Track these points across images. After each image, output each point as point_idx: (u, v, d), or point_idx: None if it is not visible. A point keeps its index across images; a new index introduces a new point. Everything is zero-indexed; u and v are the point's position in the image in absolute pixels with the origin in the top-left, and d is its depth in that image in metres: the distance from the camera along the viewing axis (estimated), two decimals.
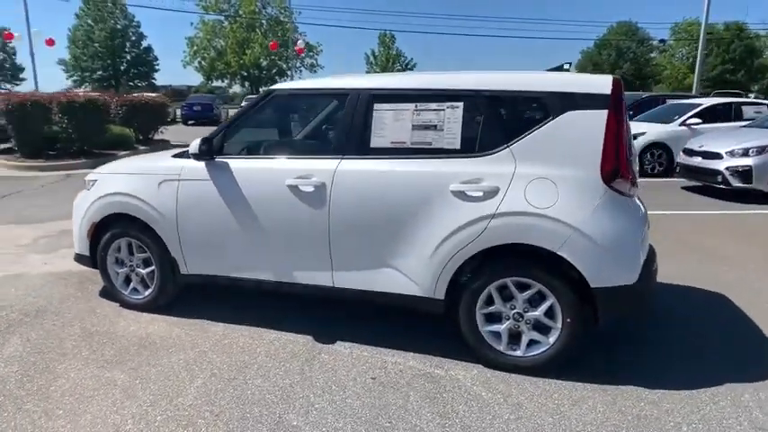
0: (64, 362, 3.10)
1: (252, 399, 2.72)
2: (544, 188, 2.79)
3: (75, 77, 46.78)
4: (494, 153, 2.91)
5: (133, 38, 48.22)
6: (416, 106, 3.06)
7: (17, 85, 45.94)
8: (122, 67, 48.06)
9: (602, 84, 2.83)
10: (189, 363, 3.09)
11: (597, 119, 2.78)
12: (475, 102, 2.98)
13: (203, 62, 50.18)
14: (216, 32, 49.83)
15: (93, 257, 3.87)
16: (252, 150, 3.53)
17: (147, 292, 3.79)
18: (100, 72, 46.67)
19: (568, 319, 2.82)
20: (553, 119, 2.83)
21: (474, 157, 2.94)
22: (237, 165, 3.39)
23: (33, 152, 10.53)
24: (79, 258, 3.98)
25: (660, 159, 10.14)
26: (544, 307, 2.87)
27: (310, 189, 3.15)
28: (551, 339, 2.88)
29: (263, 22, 49.88)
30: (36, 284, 4.31)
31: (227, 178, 3.38)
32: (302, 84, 3.64)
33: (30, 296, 4.07)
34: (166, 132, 16.28)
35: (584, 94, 2.83)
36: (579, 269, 2.73)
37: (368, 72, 53.74)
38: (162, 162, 3.68)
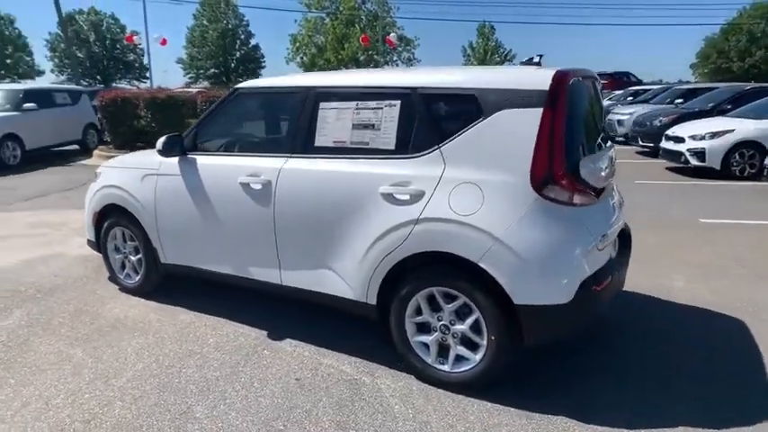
0: (43, 336, 3.44)
1: (175, 387, 2.84)
2: (469, 194, 2.59)
3: (190, 75, 51.05)
4: (424, 155, 2.75)
5: (242, 36, 51.53)
6: (357, 105, 2.97)
7: (144, 82, 51.16)
8: (232, 65, 51.57)
9: (540, 79, 2.55)
10: (143, 347, 3.29)
11: (531, 118, 2.51)
12: (411, 100, 2.83)
13: (304, 58, 52.26)
14: (317, 29, 51.67)
15: (98, 243, 4.24)
16: (219, 147, 3.64)
17: (137, 278, 4.08)
18: (212, 69, 50.47)
19: (492, 337, 2.60)
20: (485, 118, 2.61)
21: (406, 158, 2.80)
22: (203, 161, 3.52)
23: (123, 144, 11.68)
24: (89, 243, 4.37)
25: (752, 160, 8.92)
26: (470, 321, 2.67)
27: (258, 187, 3.20)
28: (478, 357, 2.68)
29: (363, 17, 50.87)
30: (64, 265, 4.81)
31: (193, 174, 3.52)
32: (263, 82, 3.69)
33: (53, 275, 4.55)
34: None
35: (518, 90, 2.57)
36: (501, 283, 2.51)
37: (465, 65, 53.10)
38: (148, 157, 3.93)
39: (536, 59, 3.09)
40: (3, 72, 46.95)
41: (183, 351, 3.23)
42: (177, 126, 12.23)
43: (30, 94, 11.59)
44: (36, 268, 4.72)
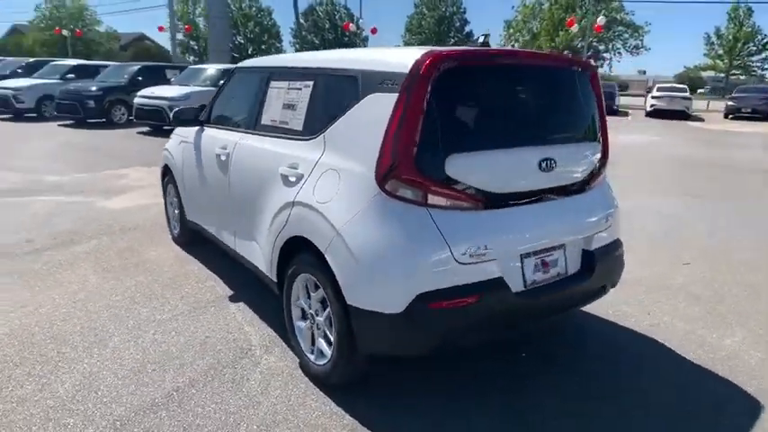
0: (85, 261, 4.31)
1: (122, 316, 3.34)
2: (330, 181, 2.46)
3: None
4: (314, 138, 2.68)
5: (457, 24, 52.38)
6: (288, 85, 3.02)
7: None
8: None
9: (405, 61, 2.26)
10: (137, 283, 3.89)
11: (388, 104, 2.26)
12: (317, 82, 2.78)
13: (516, 45, 50.84)
14: (534, 14, 49.66)
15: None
16: (219, 121, 3.99)
17: (176, 229, 4.77)
18: None
19: (336, 334, 2.45)
20: (357, 102, 2.43)
21: (303, 140, 2.76)
22: (206, 132, 3.95)
23: None
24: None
25: None
26: (326, 314, 2.56)
27: (224, 159, 3.48)
28: (330, 353, 2.56)
29: (586, 0, 47.15)
30: (147, 215, 5.76)
31: (198, 143, 3.98)
32: (252, 62, 3.89)
33: (131, 221, 5.49)
34: None
35: (385, 73, 2.32)
36: (338, 279, 2.35)
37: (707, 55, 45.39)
38: (188, 127, 4.52)
39: (481, 39, 2.71)
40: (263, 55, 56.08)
41: (157, 294, 3.73)
42: None
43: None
44: (137, 213, 5.81)
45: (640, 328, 3.37)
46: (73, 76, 14.97)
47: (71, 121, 13.77)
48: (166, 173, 4.79)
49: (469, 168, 2.29)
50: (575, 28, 35.58)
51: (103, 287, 3.81)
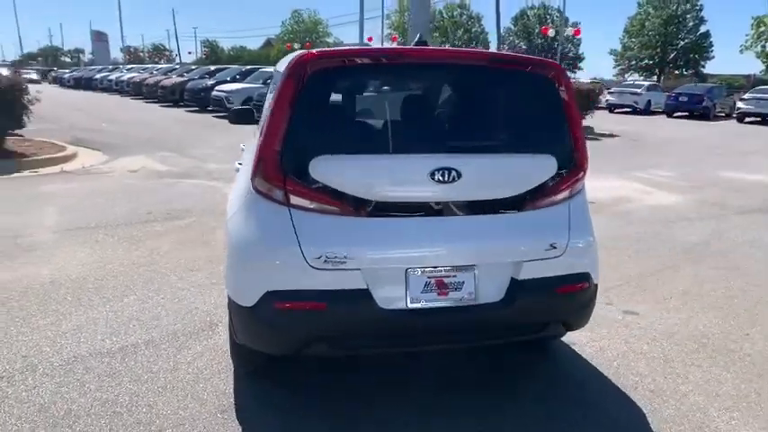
0: (163, 235, 5.19)
1: (139, 281, 4.00)
2: (240, 176, 2.64)
3: (621, 66, 49.25)
4: (257, 130, 2.88)
5: (690, 24, 45.71)
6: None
7: (574, 72, 52.66)
8: (670, 56, 46.75)
9: (288, 59, 2.32)
10: (181, 260, 4.57)
11: (269, 103, 2.36)
12: (271, 80, 2.98)
13: (767, 46, 42.24)
14: None
15: None
16: None
17: None
18: (645, 61, 47.16)
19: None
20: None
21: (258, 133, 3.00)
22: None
23: None
24: None
25: None
26: None
27: None
28: None
29: None
30: None
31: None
32: None
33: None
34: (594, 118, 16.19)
35: (277, 72, 2.46)
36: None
37: None
38: None
39: (416, 38, 2.59)
40: None
41: (198, 266, 4.33)
42: None
43: None
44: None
45: None
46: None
47: None
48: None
49: (338, 172, 2.21)
50: None
51: (166, 255, 4.58)
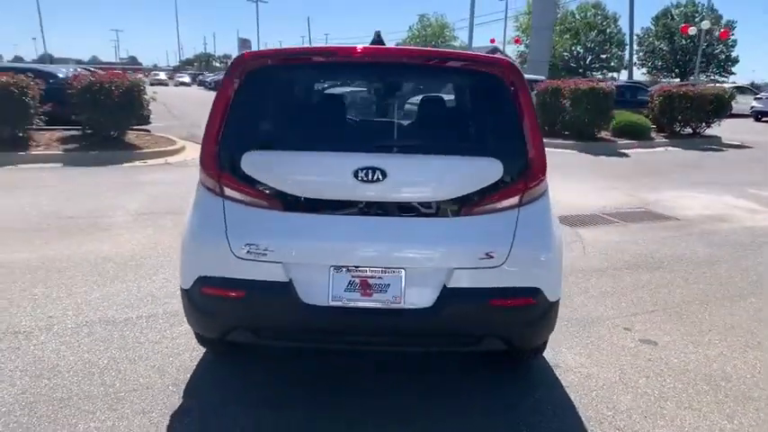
0: None
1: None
2: None
3: None
4: None
5: None
6: None
7: (725, 77, 46.87)
8: None
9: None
10: None
11: None
12: None
13: None
14: None
15: None
16: None
17: None
18: None
19: None
20: None
21: None
22: None
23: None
24: None
25: None
26: None
27: None
28: None
29: None
30: None
31: None
32: None
33: None
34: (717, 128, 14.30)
35: None
36: None
37: None
38: None
39: (375, 37, 2.58)
40: (601, 66, 53.61)
41: None
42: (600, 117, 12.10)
43: None
44: None
45: None
46: None
47: None
48: None
49: (266, 167, 2.30)
50: None
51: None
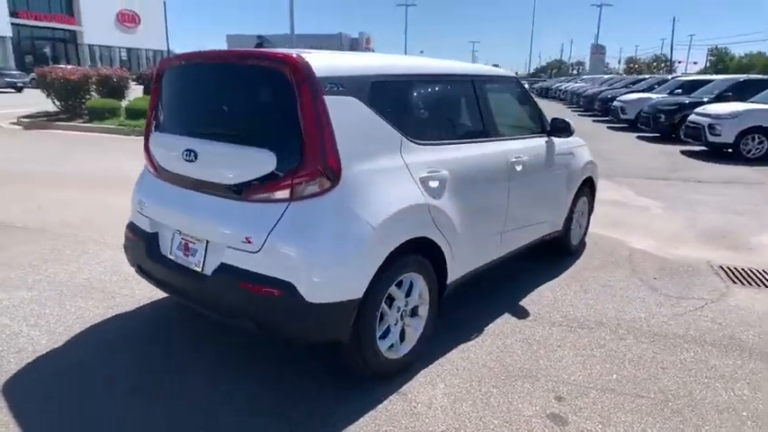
0: None
1: None
2: None
3: None
4: None
5: None
6: None
7: None
8: None
9: None
10: None
11: None
12: None
13: None
14: None
15: None
16: None
17: None
18: None
19: None
20: None
21: None
22: None
23: None
24: None
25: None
26: None
27: None
28: None
29: None
30: None
31: None
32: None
33: None
34: None
35: None
36: None
37: None
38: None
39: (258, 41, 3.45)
40: None
41: None
42: None
43: None
44: None
45: None
46: (680, 90, 14.68)
47: (653, 134, 13.50)
48: None
49: (153, 143, 3.00)
50: None
51: None
